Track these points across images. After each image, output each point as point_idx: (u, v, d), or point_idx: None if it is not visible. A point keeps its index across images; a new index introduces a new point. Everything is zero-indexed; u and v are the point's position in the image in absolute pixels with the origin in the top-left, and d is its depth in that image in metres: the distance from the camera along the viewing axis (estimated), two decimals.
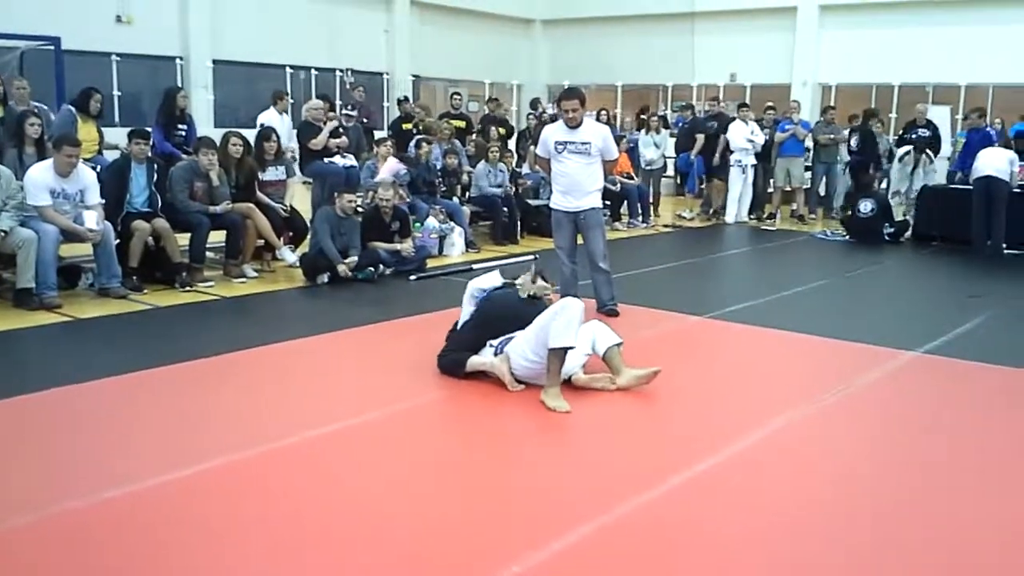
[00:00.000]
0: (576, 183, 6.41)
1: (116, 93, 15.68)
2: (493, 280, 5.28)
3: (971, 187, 10.37)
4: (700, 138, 12.96)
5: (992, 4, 16.45)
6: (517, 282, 5.17)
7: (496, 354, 4.90)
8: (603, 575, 2.94)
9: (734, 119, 12.74)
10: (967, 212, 10.27)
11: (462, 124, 12.30)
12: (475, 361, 4.95)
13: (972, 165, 10.89)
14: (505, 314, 5.04)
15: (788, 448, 4.19)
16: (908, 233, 11.33)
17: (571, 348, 4.61)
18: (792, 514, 3.46)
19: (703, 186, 13.69)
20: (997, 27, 16.45)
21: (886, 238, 11.01)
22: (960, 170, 11.90)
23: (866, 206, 11.10)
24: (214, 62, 17.16)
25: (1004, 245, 10.08)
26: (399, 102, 14.52)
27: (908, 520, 3.41)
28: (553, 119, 12.23)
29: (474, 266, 8.64)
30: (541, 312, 4.83)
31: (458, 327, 5.26)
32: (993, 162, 10.16)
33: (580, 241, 6.68)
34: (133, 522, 3.23)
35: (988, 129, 11.88)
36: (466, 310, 5.25)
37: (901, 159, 11.95)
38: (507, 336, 4.92)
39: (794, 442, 4.27)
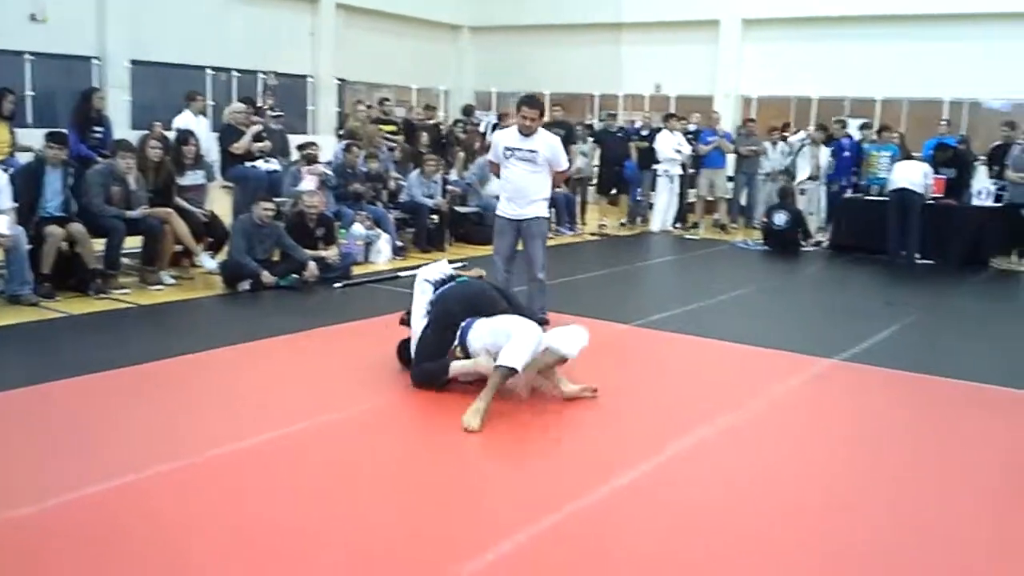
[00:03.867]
0: (520, 190, 6.39)
1: (30, 93, 15.18)
2: (441, 269, 5.25)
3: (887, 199, 10.69)
4: (633, 147, 13.09)
5: (907, 21, 17.00)
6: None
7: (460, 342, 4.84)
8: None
9: (659, 130, 12.91)
10: (882, 223, 10.57)
11: (393, 129, 12.19)
12: (457, 366, 4.82)
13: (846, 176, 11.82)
14: (459, 309, 4.97)
15: (717, 455, 4.22)
16: (825, 243, 11.63)
17: (515, 371, 4.53)
18: (719, 521, 3.49)
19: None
20: (912, 43, 17.02)
21: (803, 247, 11.29)
22: (834, 180, 12.29)
23: (780, 218, 11.32)
24: (132, 62, 16.73)
25: (918, 255, 10.39)
26: (381, 102, 14.10)
27: (832, 522, 3.48)
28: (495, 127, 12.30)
29: (400, 273, 8.56)
30: (494, 297, 4.99)
31: (413, 329, 5.12)
32: (908, 175, 10.48)
33: (520, 248, 6.65)
34: (43, 543, 3.08)
35: (843, 140, 12.34)
36: (418, 301, 5.16)
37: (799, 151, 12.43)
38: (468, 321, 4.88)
39: (722, 449, 4.31)
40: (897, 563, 3.20)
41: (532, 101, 6.34)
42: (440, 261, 5.45)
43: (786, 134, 13.80)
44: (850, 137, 12.55)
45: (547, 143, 6.39)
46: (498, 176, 6.73)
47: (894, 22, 17.14)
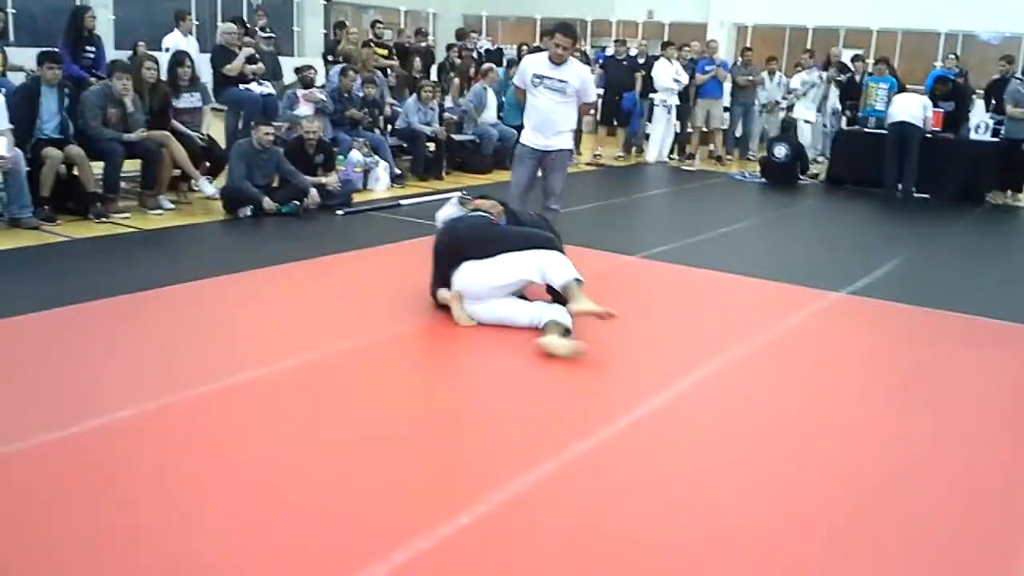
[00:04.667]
0: (547, 120, 6.20)
1: (11, 11, 14.73)
2: (449, 210, 5.22)
3: (884, 132, 10.67)
4: (639, 76, 12.92)
5: None
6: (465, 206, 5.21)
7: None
8: (553, 519, 2.94)
9: (656, 58, 12.73)
10: (879, 156, 10.56)
11: (385, 53, 11.96)
12: (440, 294, 4.95)
13: None
14: (443, 249, 4.98)
15: (730, 387, 4.26)
16: (822, 176, 11.63)
17: (580, 279, 4.64)
18: (731, 452, 3.53)
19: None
20: None
21: (800, 180, 11.29)
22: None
23: (780, 151, 11.28)
24: None
25: (914, 189, 10.41)
26: (373, 25, 13.69)
27: (844, 451, 3.54)
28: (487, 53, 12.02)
29: (401, 201, 8.50)
30: (485, 234, 4.87)
31: None
32: (907, 108, 10.44)
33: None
34: (40, 475, 3.03)
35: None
36: None
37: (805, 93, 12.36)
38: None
39: (735, 381, 4.34)
40: (907, 489, 3.26)
41: (567, 29, 6.07)
42: (452, 199, 5.40)
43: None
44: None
45: (578, 73, 6.18)
46: (521, 100, 6.52)
47: None
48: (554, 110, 6.18)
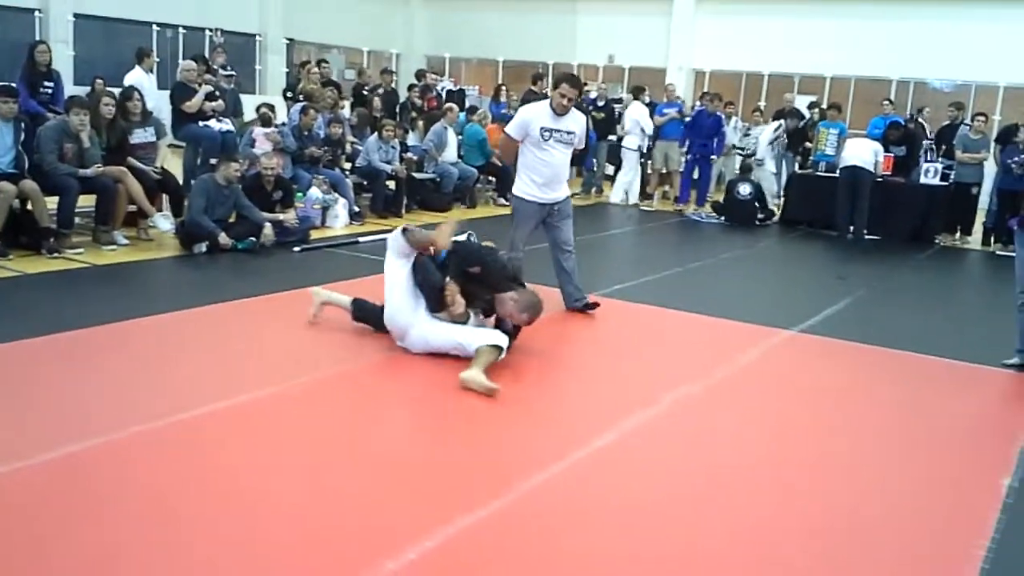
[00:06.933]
0: (557, 174, 6.11)
1: None
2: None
3: (836, 175, 10.90)
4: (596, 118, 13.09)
5: (857, 1, 17.20)
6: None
7: None
8: (504, 552, 2.95)
9: (617, 101, 12.93)
10: (832, 199, 10.78)
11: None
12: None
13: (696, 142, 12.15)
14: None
15: (683, 423, 4.30)
16: (776, 217, 11.84)
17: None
18: (688, 485, 3.58)
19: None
20: (860, 21, 17.23)
21: (756, 222, 11.47)
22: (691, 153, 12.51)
23: (744, 189, 11.48)
24: (75, 16, 16.21)
25: (865, 231, 10.62)
26: (318, 63, 13.81)
27: (792, 484, 3.58)
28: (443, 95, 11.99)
29: (360, 239, 8.50)
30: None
31: None
32: (859, 153, 10.68)
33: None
34: None
35: (719, 113, 12.52)
36: None
37: (772, 142, 12.64)
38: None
39: (688, 417, 4.39)
40: (856, 521, 3.30)
41: (574, 80, 6.00)
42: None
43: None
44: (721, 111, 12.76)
45: (579, 123, 6.11)
46: (508, 154, 6.40)
47: (845, 1, 17.33)
48: (564, 162, 6.14)
